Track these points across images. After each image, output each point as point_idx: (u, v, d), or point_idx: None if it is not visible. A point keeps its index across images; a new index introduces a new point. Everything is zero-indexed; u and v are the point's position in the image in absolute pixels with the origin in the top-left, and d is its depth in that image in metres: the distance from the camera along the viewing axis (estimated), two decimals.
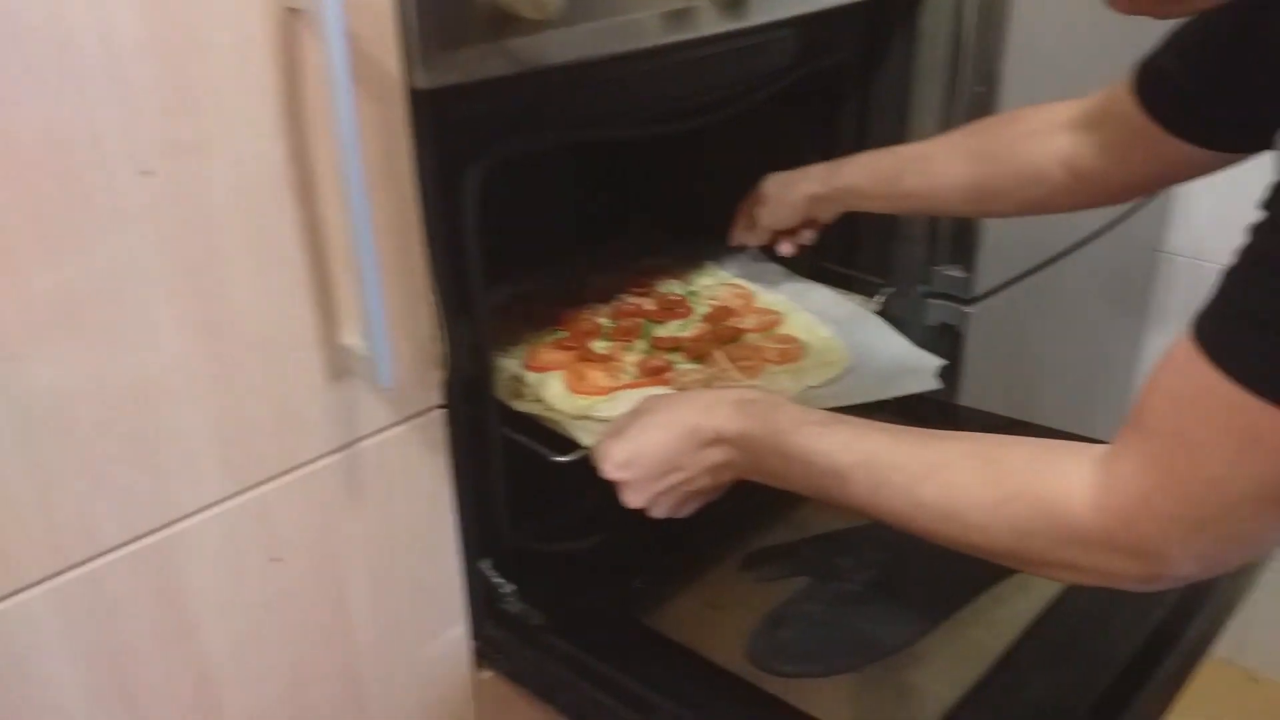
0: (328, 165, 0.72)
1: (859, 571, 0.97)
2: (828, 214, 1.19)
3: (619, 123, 0.96)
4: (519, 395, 1.07)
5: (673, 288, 1.35)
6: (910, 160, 1.10)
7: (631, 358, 1.18)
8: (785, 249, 1.26)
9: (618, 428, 0.86)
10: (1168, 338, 1.90)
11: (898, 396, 1.11)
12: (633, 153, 1.37)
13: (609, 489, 1.08)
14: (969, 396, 1.38)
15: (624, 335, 1.21)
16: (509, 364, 1.12)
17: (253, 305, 0.73)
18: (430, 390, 0.85)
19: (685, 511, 0.85)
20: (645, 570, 1.05)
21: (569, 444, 0.98)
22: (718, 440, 0.80)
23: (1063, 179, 0.97)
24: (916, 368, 1.14)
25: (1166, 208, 1.75)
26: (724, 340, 1.22)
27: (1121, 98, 0.89)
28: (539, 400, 1.06)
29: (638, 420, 0.84)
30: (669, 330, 1.24)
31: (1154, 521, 0.57)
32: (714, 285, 1.36)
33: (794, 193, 1.17)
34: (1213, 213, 1.75)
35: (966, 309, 1.32)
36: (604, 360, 1.15)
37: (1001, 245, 1.32)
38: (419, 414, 0.85)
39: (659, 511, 0.84)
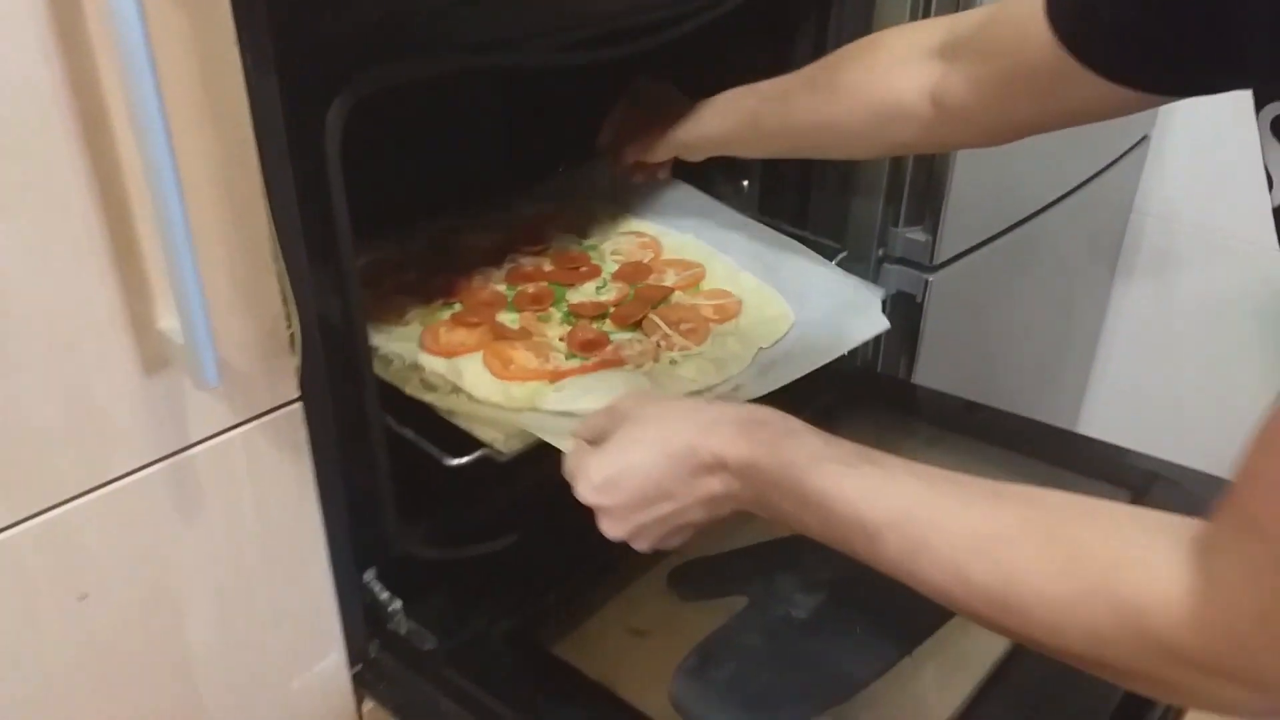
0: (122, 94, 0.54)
1: (804, 592, 0.83)
2: (696, 158, 1.06)
3: (526, 49, 0.78)
4: (428, 387, 0.90)
5: (568, 243, 1.17)
6: (770, 99, 0.94)
7: (553, 331, 1.02)
8: (639, 178, 1.15)
9: (594, 437, 0.72)
10: (1137, 302, 1.80)
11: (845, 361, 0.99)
12: (557, 88, 1.19)
13: (516, 485, 0.94)
14: (924, 370, 1.25)
15: (532, 303, 1.04)
16: (401, 348, 0.94)
17: (28, 278, 0.55)
18: (282, 381, 0.69)
19: (672, 544, 0.71)
20: (557, 582, 0.90)
21: (467, 442, 0.82)
22: (718, 467, 0.65)
23: (932, 116, 0.81)
24: (859, 304, 1.03)
25: (1138, 166, 1.63)
26: (653, 302, 1.06)
27: (1018, 21, 0.72)
28: (457, 392, 0.89)
29: (620, 432, 0.69)
30: (583, 294, 1.08)
31: (1274, 646, 0.44)
32: (614, 237, 1.19)
33: (664, 136, 1.04)
34: (1185, 171, 1.63)
35: (927, 276, 1.19)
36: (522, 336, 0.99)
37: (967, 206, 1.18)
38: (268, 411, 0.69)
39: (642, 545, 0.70)
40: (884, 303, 1.05)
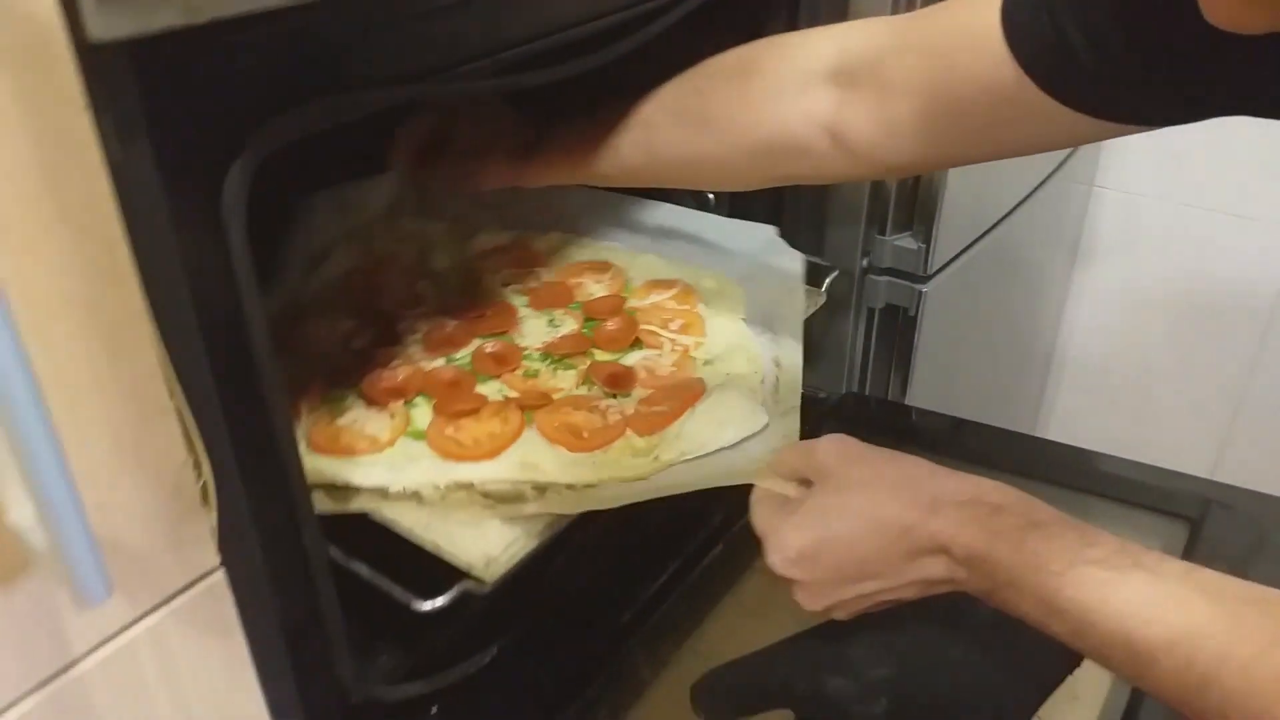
0: None
1: (862, 700, 0.70)
2: (544, 183, 0.89)
3: (459, 75, 0.60)
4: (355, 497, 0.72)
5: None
6: (631, 127, 0.79)
7: (569, 382, 0.86)
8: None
9: (782, 500, 0.65)
10: (1099, 279, 1.72)
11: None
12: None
13: (496, 599, 0.77)
14: (919, 389, 1.13)
15: (498, 365, 0.87)
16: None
17: None
18: (195, 550, 0.51)
19: (874, 610, 0.64)
20: (553, 707, 0.75)
21: (436, 572, 0.66)
22: (941, 552, 0.58)
23: (827, 149, 0.71)
24: (772, 248, 0.98)
25: (1096, 146, 1.54)
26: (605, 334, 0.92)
27: (945, 53, 0.64)
28: (415, 497, 0.72)
29: (821, 496, 0.62)
30: (538, 334, 0.93)
31: None
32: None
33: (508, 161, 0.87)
34: (1145, 145, 1.55)
35: (921, 287, 1.06)
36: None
37: (960, 209, 1.06)
38: (181, 591, 0.51)
39: (841, 615, 0.64)
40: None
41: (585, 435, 0.77)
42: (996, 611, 0.77)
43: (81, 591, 0.41)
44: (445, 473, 0.72)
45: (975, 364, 1.29)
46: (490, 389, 0.83)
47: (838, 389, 1.12)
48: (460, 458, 0.74)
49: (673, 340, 0.92)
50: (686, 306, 0.97)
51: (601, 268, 1.01)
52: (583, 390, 0.84)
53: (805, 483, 0.65)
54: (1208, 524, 0.86)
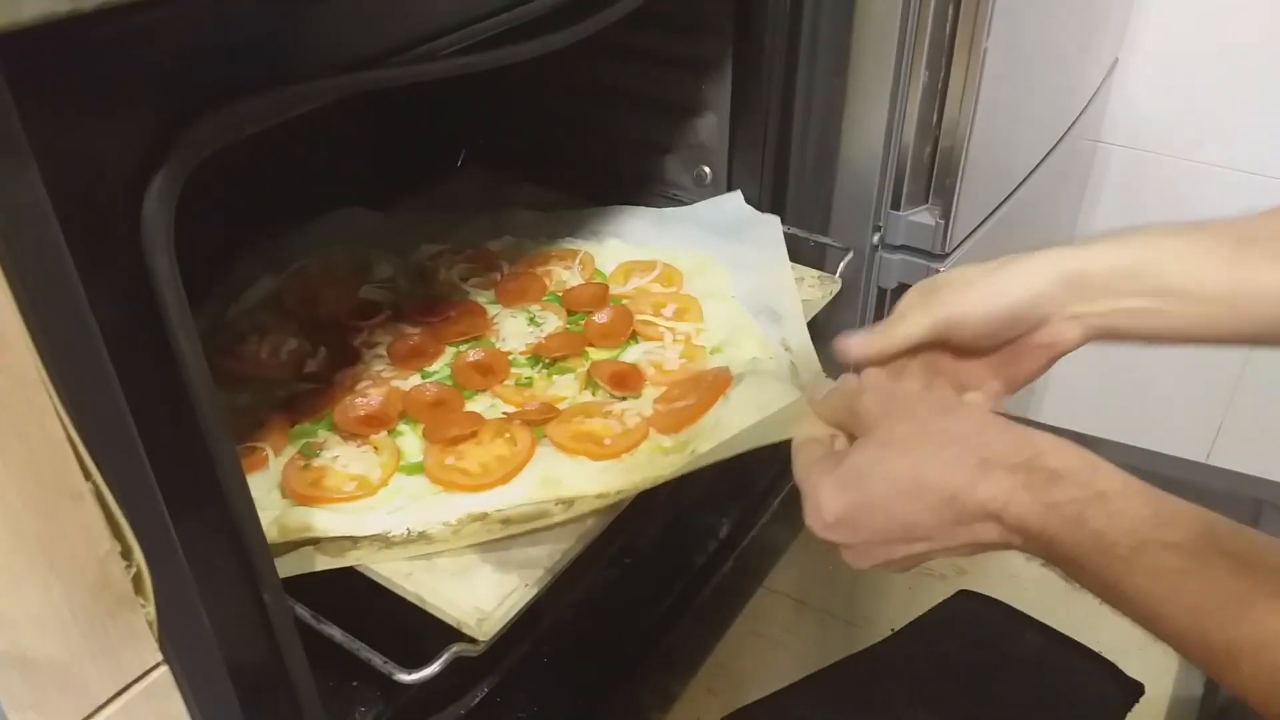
0: None
1: None
2: (1083, 330, 0.62)
3: (404, 60, 0.49)
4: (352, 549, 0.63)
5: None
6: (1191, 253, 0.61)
7: (563, 388, 0.78)
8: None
9: (825, 449, 0.57)
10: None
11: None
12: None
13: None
14: None
15: (484, 374, 0.78)
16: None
17: None
18: (129, 649, 0.42)
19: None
20: None
21: (428, 630, 0.57)
22: (989, 519, 0.50)
23: None
24: (741, 216, 0.93)
25: (1105, 93, 1.45)
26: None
27: None
28: (423, 538, 0.63)
29: (861, 453, 0.54)
30: (517, 336, 0.84)
31: None
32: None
33: (1017, 267, 0.61)
34: (1151, 100, 1.47)
35: (938, 265, 0.97)
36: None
37: (981, 178, 0.97)
38: (115, 697, 0.42)
39: (895, 571, 0.57)
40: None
41: (607, 442, 0.70)
42: (1043, 648, 0.71)
43: None
44: (455, 506, 0.64)
45: None
46: (481, 404, 0.74)
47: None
48: (470, 488, 0.66)
49: (672, 329, 0.84)
50: (675, 289, 0.90)
51: (568, 255, 0.93)
52: (586, 395, 0.76)
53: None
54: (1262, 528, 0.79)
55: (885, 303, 1.01)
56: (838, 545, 0.55)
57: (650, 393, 0.76)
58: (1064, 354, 0.62)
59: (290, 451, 0.69)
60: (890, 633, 0.74)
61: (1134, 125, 1.50)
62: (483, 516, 0.64)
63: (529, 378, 0.78)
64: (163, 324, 0.42)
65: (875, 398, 0.56)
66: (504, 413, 0.73)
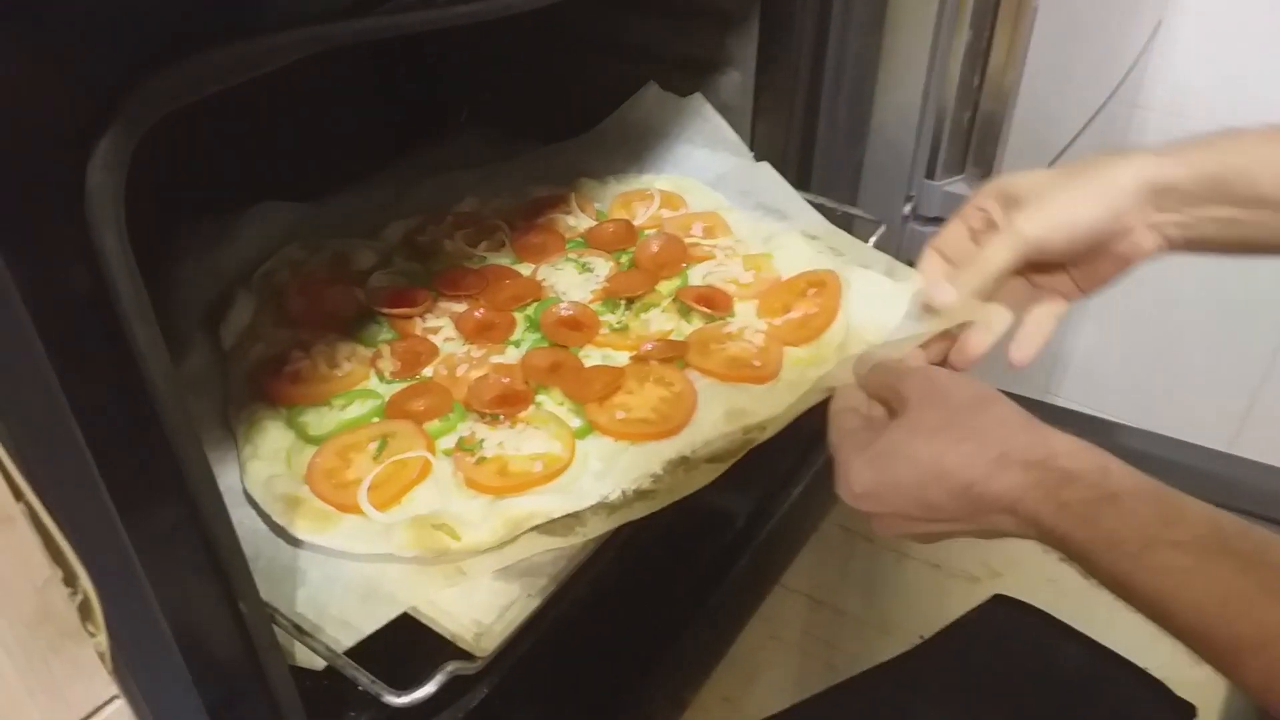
0: None
1: None
2: (1162, 240, 0.61)
3: (395, 8, 0.43)
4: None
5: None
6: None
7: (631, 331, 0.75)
8: (1023, 353, 0.67)
9: (863, 420, 0.60)
10: None
11: None
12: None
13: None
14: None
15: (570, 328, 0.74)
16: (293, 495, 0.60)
17: None
18: (76, 684, 0.37)
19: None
20: None
21: (419, 641, 0.52)
22: (1005, 512, 0.52)
23: None
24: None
25: (1145, 60, 1.37)
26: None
27: None
28: (640, 495, 0.60)
29: (894, 433, 0.56)
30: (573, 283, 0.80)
31: None
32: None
33: (1097, 179, 0.60)
34: (1193, 65, 1.39)
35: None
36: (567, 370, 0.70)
37: (1024, 142, 0.90)
38: None
39: (921, 543, 0.61)
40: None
41: (757, 364, 0.69)
42: (1086, 662, 0.66)
43: None
44: (654, 457, 0.62)
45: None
46: (592, 358, 0.72)
47: None
48: (658, 435, 0.64)
49: (717, 246, 0.82)
50: (684, 210, 0.88)
51: (557, 201, 0.89)
52: (685, 324, 0.74)
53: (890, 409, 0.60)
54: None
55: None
56: (866, 513, 0.57)
57: (743, 309, 0.75)
58: (1140, 262, 0.62)
59: (437, 450, 0.64)
60: (920, 639, 0.69)
61: (1174, 91, 1.43)
62: (684, 460, 0.62)
63: (621, 322, 0.75)
64: (113, 312, 0.36)
65: (917, 381, 0.57)
66: (634, 357, 0.71)
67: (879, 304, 0.71)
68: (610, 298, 0.77)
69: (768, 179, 0.86)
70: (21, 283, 0.32)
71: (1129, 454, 0.82)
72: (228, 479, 0.63)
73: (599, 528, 0.58)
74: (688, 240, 0.82)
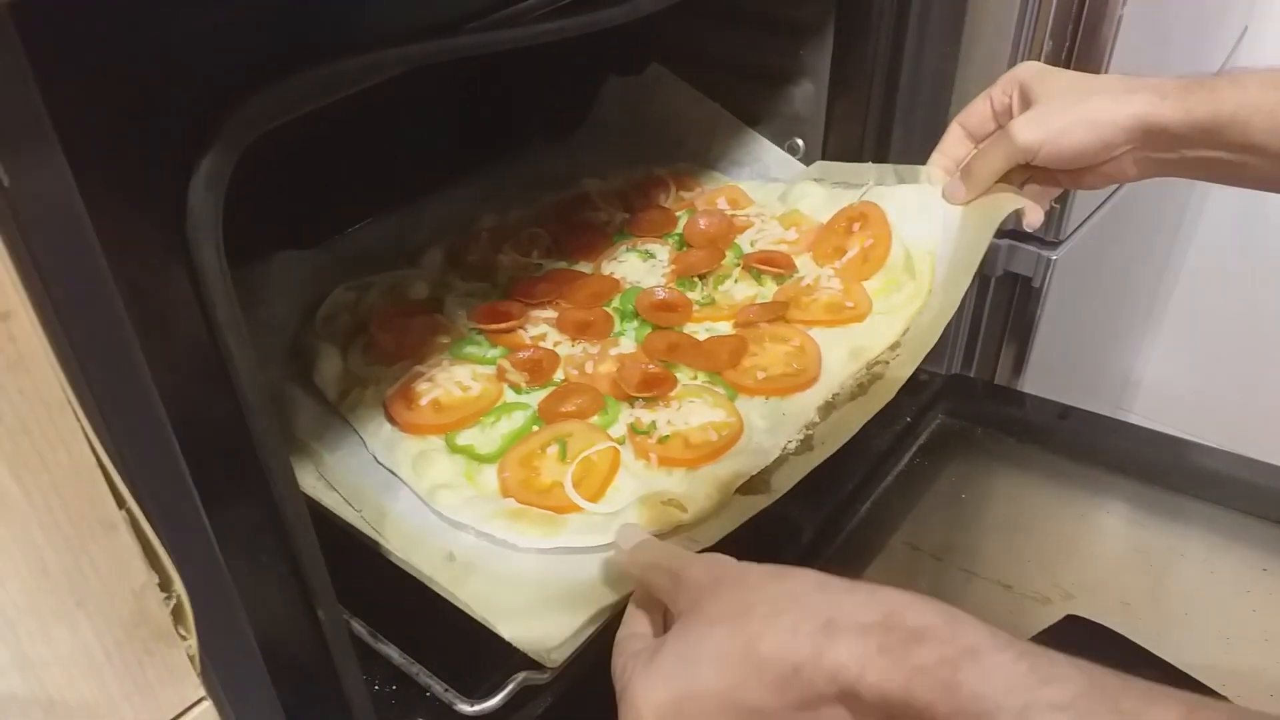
0: None
1: None
2: (1145, 170, 0.66)
3: (485, 25, 0.44)
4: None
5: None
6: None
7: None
8: (1033, 218, 0.72)
9: (640, 650, 0.47)
10: (1214, 232, 1.53)
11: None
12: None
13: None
14: (1035, 374, 0.98)
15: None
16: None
17: None
18: (167, 686, 0.38)
19: None
20: None
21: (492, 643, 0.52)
22: (844, 700, 0.41)
23: None
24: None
25: (1230, 68, 1.33)
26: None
27: None
28: (806, 446, 0.66)
29: (683, 631, 0.45)
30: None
31: None
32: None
33: (1096, 108, 0.64)
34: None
35: (1049, 254, 0.89)
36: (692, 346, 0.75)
37: None
38: None
39: None
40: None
41: (850, 305, 0.75)
42: (1159, 683, 0.64)
43: None
44: (803, 408, 0.68)
45: (1089, 339, 1.13)
46: (699, 333, 0.76)
47: (940, 369, 0.97)
48: (802, 386, 0.69)
49: (749, 214, 0.87)
50: (700, 189, 0.93)
51: (578, 201, 0.93)
52: (761, 288, 0.80)
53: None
54: None
55: (989, 292, 0.94)
56: None
57: (802, 263, 0.80)
58: (1121, 183, 0.68)
59: (613, 437, 0.67)
60: None
61: None
62: (829, 408, 0.68)
63: (707, 296, 0.80)
64: (210, 323, 0.37)
65: (704, 569, 0.47)
66: (737, 325, 0.76)
67: (918, 215, 0.77)
68: (684, 277, 0.81)
69: (748, 146, 0.93)
70: (129, 304, 0.33)
71: (1203, 473, 0.81)
72: (399, 505, 0.62)
73: (785, 482, 0.62)
74: (732, 211, 0.88)
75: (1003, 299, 0.94)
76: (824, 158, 0.89)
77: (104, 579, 0.34)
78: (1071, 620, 0.71)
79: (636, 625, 0.50)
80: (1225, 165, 0.61)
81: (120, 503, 0.33)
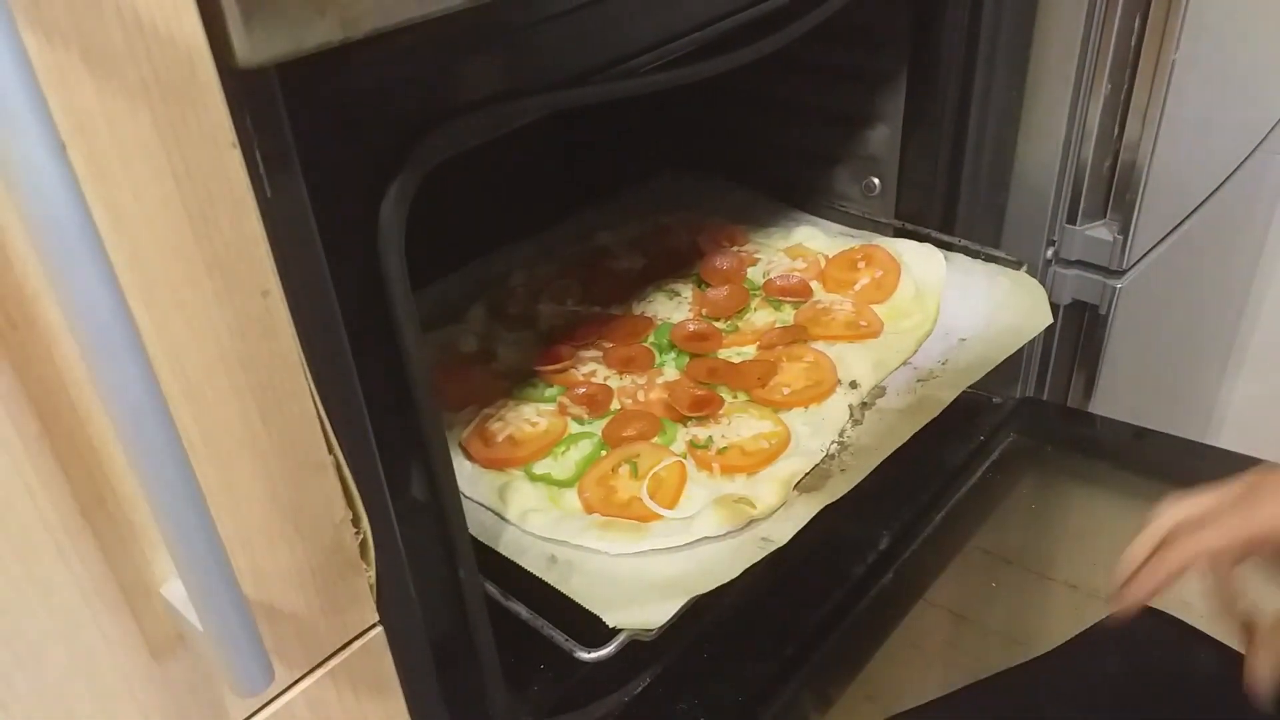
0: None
1: None
2: None
3: (614, 74, 0.53)
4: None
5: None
6: None
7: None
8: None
9: None
10: None
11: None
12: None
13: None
14: (1104, 396, 1.02)
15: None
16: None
17: None
18: (352, 609, 0.47)
19: None
20: None
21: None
22: None
23: None
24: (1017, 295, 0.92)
25: None
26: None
27: None
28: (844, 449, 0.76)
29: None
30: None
31: None
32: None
33: None
34: None
35: (1115, 283, 0.95)
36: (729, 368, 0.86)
37: (1165, 190, 0.93)
38: (337, 651, 0.47)
39: None
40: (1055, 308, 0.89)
41: (864, 324, 0.86)
42: (1224, 670, 0.68)
43: (239, 679, 0.37)
44: (834, 417, 0.78)
45: (1162, 365, 1.16)
46: (732, 358, 0.87)
47: (1012, 393, 1.02)
48: (820, 396, 0.80)
49: (755, 248, 1.00)
50: (704, 227, 1.04)
51: (597, 253, 1.03)
52: (781, 314, 0.91)
53: None
54: None
55: (1058, 319, 0.99)
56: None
57: (817, 288, 0.92)
58: None
59: (675, 453, 0.77)
60: None
61: None
62: (863, 409, 0.79)
63: (732, 325, 0.91)
64: (391, 321, 0.47)
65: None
66: (761, 348, 0.87)
67: (922, 262, 0.91)
68: (711, 316, 0.92)
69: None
70: (339, 295, 0.42)
71: None
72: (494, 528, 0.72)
73: (844, 485, 0.70)
74: (737, 250, 0.99)
75: (1072, 326, 1.00)
76: (898, 195, 0.97)
77: (315, 510, 0.43)
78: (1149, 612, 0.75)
79: None
80: None
81: (330, 449, 0.42)
